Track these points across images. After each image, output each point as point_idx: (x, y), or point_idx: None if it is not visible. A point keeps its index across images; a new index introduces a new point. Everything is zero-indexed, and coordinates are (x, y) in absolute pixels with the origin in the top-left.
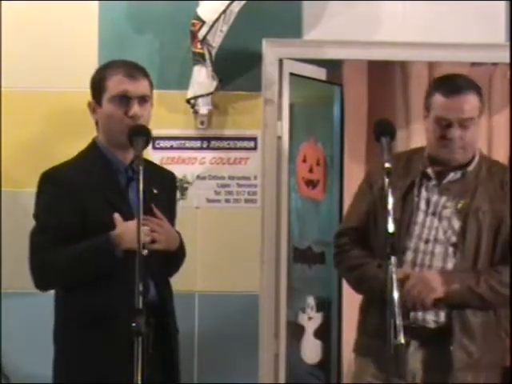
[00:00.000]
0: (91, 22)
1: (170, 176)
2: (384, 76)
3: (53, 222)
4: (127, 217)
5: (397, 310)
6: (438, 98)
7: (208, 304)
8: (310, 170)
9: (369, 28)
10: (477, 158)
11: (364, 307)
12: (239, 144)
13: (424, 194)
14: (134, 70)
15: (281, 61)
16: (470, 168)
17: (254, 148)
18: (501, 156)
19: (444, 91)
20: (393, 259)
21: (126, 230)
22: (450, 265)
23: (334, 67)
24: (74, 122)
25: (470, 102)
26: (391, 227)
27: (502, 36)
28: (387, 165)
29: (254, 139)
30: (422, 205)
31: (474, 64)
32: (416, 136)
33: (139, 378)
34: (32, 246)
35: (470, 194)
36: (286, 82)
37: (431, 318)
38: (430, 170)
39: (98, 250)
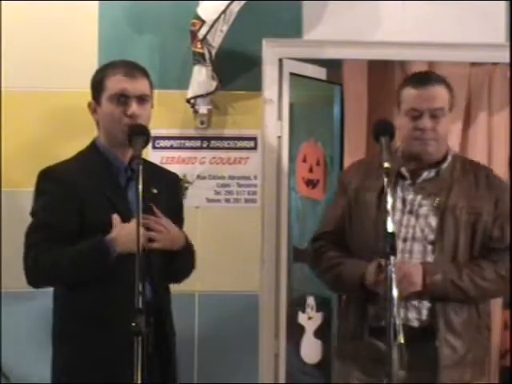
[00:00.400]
0: (91, 22)
1: (174, 177)
2: (384, 76)
3: (50, 221)
4: (126, 216)
5: (396, 309)
6: (409, 91)
7: (208, 304)
8: (310, 170)
9: (369, 28)
10: (450, 156)
11: (343, 310)
12: (239, 144)
13: (399, 193)
14: (133, 69)
15: (281, 61)
16: (444, 166)
17: (254, 148)
18: (501, 156)
19: (414, 83)
20: (392, 259)
21: (121, 233)
22: (429, 260)
23: (333, 67)
24: (74, 121)
25: (439, 93)
26: (391, 227)
27: (502, 36)
28: (386, 164)
29: (254, 139)
30: (398, 204)
31: (474, 64)
32: None
33: (139, 377)
34: (27, 243)
35: (446, 191)
36: (286, 81)
37: (414, 317)
38: (404, 170)
39: (93, 252)
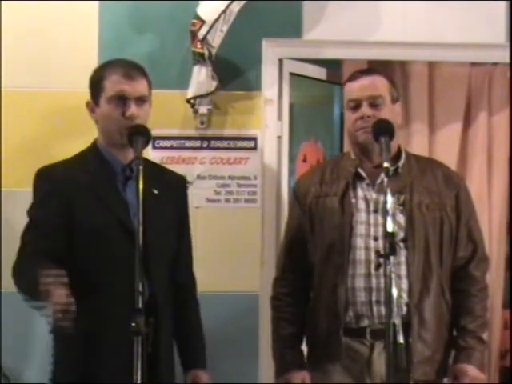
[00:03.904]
0: (91, 22)
1: (179, 179)
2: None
3: (39, 218)
4: (122, 216)
5: (395, 309)
6: (347, 85)
7: (208, 304)
8: None
9: (369, 28)
10: (403, 154)
11: (311, 311)
12: (239, 144)
13: (360, 193)
14: (131, 70)
15: (281, 61)
16: (401, 163)
17: (254, 148)
18: (501, 156)
19: (351, 78)
20: (392, 259)
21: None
22: (402, 258)
23: (334, 67)
24: (73, 121)
25: (375, 82)
26: (390, 227)
27: (502, 36)
28: (386, 164)
29: (254, 139)
30: (361, 204)
31: (474, 64)
32: (416, 136)
33: (139, 377)
34: (21, 241)
35: (408, 189)
36: (286, 82)
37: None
38: (361, 170)
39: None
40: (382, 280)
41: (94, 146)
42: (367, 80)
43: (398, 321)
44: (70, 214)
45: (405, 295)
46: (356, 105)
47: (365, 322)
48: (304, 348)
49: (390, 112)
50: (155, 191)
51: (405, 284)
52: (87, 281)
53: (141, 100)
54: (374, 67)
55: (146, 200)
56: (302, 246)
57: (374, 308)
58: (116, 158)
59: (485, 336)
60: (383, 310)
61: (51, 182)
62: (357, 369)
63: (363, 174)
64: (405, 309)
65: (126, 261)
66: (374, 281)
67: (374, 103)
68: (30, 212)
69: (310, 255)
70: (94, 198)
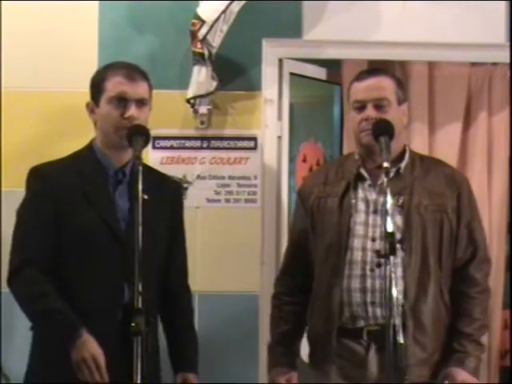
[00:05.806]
0: (91, 22)
1: (174, 185)
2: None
3: (28, 218)
4: (109, 218)
5: (395, 309)
6: (353, 85)
7: (208, 304)
8: (310, 170)
9: (369, 28)
10: (407, 153)
11: (309, 311)
12: (239, 144)
13: (361, 194)
14: (133, 72)
15: (281, 61)
16: (403, 164)
17: (254, 148)
18: (501, 156)
19: (358, 78)
20: (392, 259)
21: (89, 348)
22: (398, 260)
23: (334, 67)
24: (73, 122)
25: (381, 84)
26: (390, 227)
27: (502, 36)
28: (386, 164)
29: (254, 139)
30: (361, 205)
31: (474, 64)
32: (416, 136)
33: (139, 378)
34: (12, 242)
35: (409, 190)
36: (286, 81)
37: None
38: (363, 171)
39: (58, 327)
40: (378, 281)
41: (89, 147)
42: (373, 81)
43: (397, 321)
44: (57, 214)
45: (400, 297)
46: (361, 106)
47: (361, 323)
48: (306, 348)
49: (395, 113)
50: (145, 196)
51: (400, 286)
52: (72, 280)
53: (141, 102)
54: (379, 67)
55: (135, 204)
56: (306, 247)
57: (369, 309)
58: (110, 161)
59: (483, 339)
60: (378, 310)
61: (42, 182)
62: (353, 369)
63: (365, 174)
64: (400, 309)
65: (110, 262)
66: (369, 282)
67: (379, 105)
68: (20, 210)
69: (312, 256)
70: (82, 199)
